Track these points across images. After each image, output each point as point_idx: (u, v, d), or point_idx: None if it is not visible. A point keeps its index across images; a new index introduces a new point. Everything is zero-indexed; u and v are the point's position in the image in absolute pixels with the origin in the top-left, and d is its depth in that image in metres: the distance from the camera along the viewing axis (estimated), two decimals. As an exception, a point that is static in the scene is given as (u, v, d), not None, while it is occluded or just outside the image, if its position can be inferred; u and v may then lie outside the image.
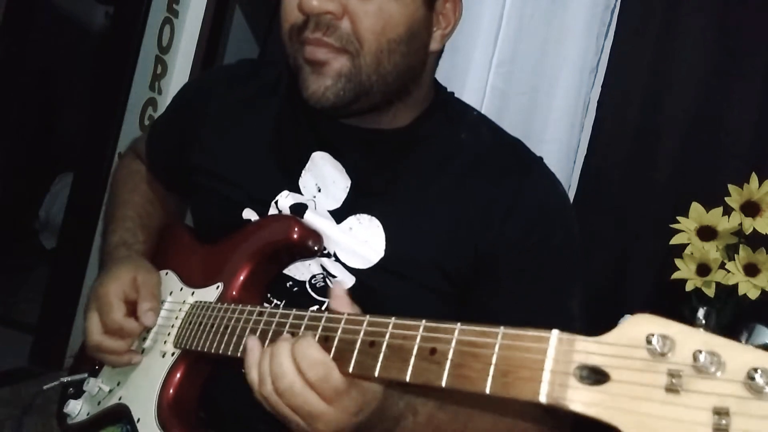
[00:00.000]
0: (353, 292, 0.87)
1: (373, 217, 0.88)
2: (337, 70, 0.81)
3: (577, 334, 0.86)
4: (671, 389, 0.43)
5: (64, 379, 1.03)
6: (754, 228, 1.43)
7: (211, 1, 2.62)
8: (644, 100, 1.94)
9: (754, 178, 1.45)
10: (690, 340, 0.43)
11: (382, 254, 0.86)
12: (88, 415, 0.98)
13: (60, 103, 3.95)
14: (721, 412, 0.40)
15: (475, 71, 1.95)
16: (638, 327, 0.46)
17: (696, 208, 1.50)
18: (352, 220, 0.89)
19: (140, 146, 1.19)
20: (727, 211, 1.48)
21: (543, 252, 0.86)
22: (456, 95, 1.01)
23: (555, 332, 0.50)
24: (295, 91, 0.91)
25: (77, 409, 0.98)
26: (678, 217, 1.53)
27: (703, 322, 0.39)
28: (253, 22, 3.13)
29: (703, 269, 1.48)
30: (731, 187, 1.48)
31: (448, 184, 0.89)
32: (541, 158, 0.94)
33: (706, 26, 1.89)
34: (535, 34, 1.96)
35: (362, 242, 0.87)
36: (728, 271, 1.44)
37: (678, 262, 1.51)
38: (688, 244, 1.51)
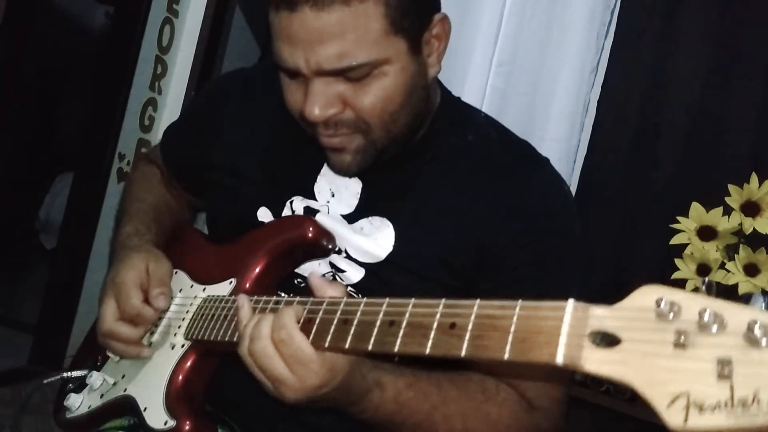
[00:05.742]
0: (363, 283, 0.89)
1: (384, 218, 0.91)
2: (354, 148, 0.86)
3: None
4: (679, 345, 0.46)
5: (65, 374, 1.03)
6: (754, 228, 1.44)
7: (211, 1, 2.62)
8: (644, 100, 1.94)
9: (754, 178, 1.45)
10: (695, 303, 0.47)
11: (390, 250, 0.90)
12: (89, 408, 0.97)
13: (60, 103, 3.95)
14: (724, 362, 0.44)
15: (475, 71, 1.95)
16: (647, 295, 0.49)
17: (696, 208, 1.51)
18: (363, 222, 0.92)
19: (154, 152, 1.21)
20: (727, 211, 1.48)
21: (544, 249, 0.88)
22: (456, 95, 1.02)
23: (571, 301, 0.53)
24: None
25: (78, 402, 0.98)
26: (678, 217, 1.53)
27: (705, 291, 0.46)
28: (253, 23, 3.13)
29: (703, 269, 1.48)
30: (731, 187, 1.48)
31: (456, 182, 0.92)
32: (547, 159, 0.96)
33: (706, 26, 1.89)
34: (535, 34, 1.96)
35: (372, 241, 0.90)
36: (728, 271, 1.44)
37: (678, 262, 1.51)
38: (688, 244, 1.51)
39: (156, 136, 2.53)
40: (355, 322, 0.67)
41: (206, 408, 0.91)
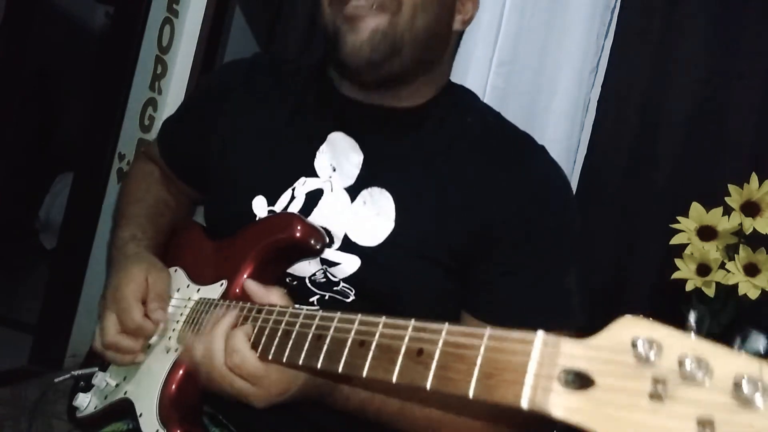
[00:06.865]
0: (359, 274, 0.89)
1: (384, 189, 0.92)
2: (374, 26, 0.86)
3: (569, 318, 0.89)
4: (655, 397, 0.41)
5: (75, 373, 1.05)
6: (754, 228, 1.43)
7: (211, 1, 2.62)
8: (644, 100, 1.94)
9: (754, 178, 1.45)
10: (677, 344, 0.42)
11: (392, 227, 0.90)
12: (95, 408, 0.99)
13: (60, 103, 3.95)
14: (705, 423, 0.38)
15: (475, 71, 1.95)
16: (625, 330, 0.44)
17: (696, 208, 1.50)
18: (365, 194, 0.93)
19: (153, 149, 1.20)
20: (727, 211, 1.48)
21: (540, 229, 0.90)
22: None
23: (540, 334, 0.48)
24: (315, 77, 1.00)
25: (86, 402, 1.00)
26: (678, 217, 1.53)
27: (694, 326, 0.37)
28: (253, 23, 3.12)
29: (703, 269, 1.48)
30: (731, 187, 1.48)
31: (454, 162, 0.93)
32: (543, 147, 0.98)
33: (706, 26, 1.89)
34: (535, 34, 1.96)
35: (374, 215, 0.91)
36: (728, 271, 1.44)
37: (678, 262, 1.51)
38: (688, 244, 1.51)
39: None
40: (328, 339, 0.65)
41: (201, 414, 0.91)
